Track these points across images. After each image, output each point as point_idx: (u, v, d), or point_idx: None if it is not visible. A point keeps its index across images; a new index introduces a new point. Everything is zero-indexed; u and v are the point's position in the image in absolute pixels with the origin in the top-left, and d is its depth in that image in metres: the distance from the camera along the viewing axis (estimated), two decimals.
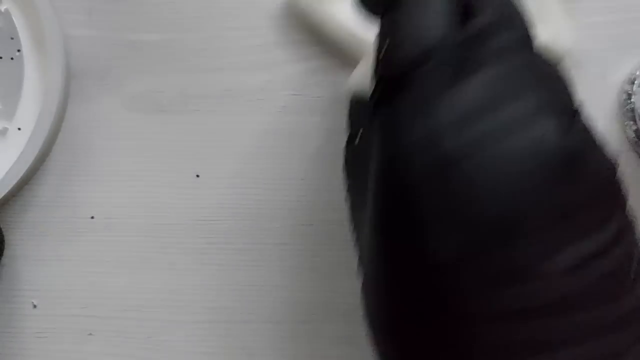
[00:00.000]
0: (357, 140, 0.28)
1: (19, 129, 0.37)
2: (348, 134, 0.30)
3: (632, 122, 0.38)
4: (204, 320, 0.37)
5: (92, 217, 0.38)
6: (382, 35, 0.24)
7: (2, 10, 0.37)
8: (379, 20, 0.24)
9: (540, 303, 0.21)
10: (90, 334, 0.37)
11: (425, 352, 0.22)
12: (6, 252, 0.37)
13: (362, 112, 0.29)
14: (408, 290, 0.22)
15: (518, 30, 0.23)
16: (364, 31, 0.36)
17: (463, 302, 0.21)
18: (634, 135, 0.38)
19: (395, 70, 0.23)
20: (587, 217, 0.22)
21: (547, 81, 0.23)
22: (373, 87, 0.24)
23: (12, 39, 0.37)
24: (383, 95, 0.23)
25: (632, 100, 0.38)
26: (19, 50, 0.37)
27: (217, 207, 0.38)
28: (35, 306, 0.37)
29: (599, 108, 0.39)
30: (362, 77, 0.32)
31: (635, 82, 0.38)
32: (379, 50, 0.24)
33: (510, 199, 0.21)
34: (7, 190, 0.35)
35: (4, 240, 0.37)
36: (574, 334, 0.21)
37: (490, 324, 0.21)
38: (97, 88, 0.38)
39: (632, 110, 0.38)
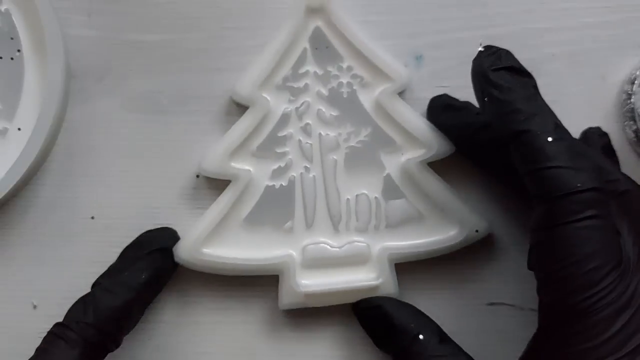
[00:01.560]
0: None
1: (19, 129, 0.37)
2: None
3: (632, 122, 0.38)
4: (204, 321, 0.37)
5: (92, 218, 0.38)
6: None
7: (2, 10, 0.37)
8: None
9: None
10: None
11: None
12: (6, 252, 0.37)
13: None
14: None
15: None
16: (257, 253, 0.36)
17: None
18: (633, 135, 0.38)
19: None
20: None
21: None
22: None
23: (12, 39, 0.37)
24: None
25: (632, 100, 0.38)
26: (19, 50, 0.37)
27: None
28: (35, 306, 0.37)
29: (599, 108, 0.39)
30: (289, 296, 0.36)
31: (635, 82, 0.38)
32: None
33: None
34: (7, 190, 0.35)
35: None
36: None
37: None
38: (97, 88, 0.38)
39: (632, 110, 0.38)
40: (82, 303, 0.33)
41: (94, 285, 0.34)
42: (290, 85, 0.37)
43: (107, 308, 0.32)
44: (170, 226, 0.37)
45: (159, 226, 0.37)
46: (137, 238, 0.36)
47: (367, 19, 0.39)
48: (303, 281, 0.36)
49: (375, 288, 0.36)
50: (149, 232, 0.37)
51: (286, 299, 0.36)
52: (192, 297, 0.37)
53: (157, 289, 0.36)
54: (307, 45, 0.37)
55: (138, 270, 0.34)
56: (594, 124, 0.39)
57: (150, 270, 0.34)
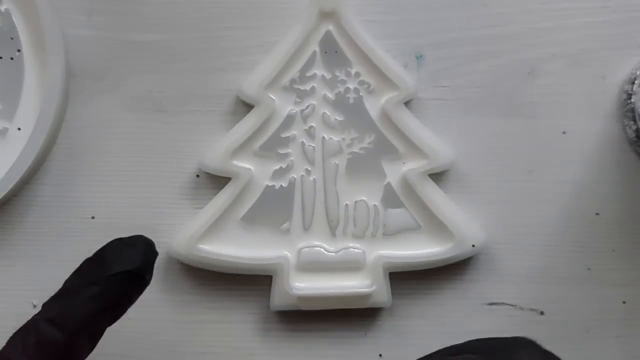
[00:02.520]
0: None
1: (19, 129, 0.37)
2: None
3: (632, 122, 0.38)
4: (203, 320, 0.37)
5: (93, 217, 0.38)
6: None
7: (2, 10, 0.37)
8: None
9: None
10: None
11: None
12: (6, 252, 0.37)
13: None
14: None
15: None
16: (250, 251, 0.36)
17: None
18: (634, 135, 0.38)
19: None
20: None
21: None
22: None
23: (12, 39, 0.37)
24: None
25: (632, 100, 0.38)
26: (19, 50, 0.37)
27: None
28: (35, 306, 0.37)
29: (599, 108, 0.39)
30: (282, 297, 0.36)
31: (635, 82, 0.38)
32: None
33: None
34: (7, 190, 0.35)
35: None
36: None
37: None
38: (97, 88, 0.38)
39: (632, 110, 0.38)
40: (23, 335, 0.28)
41: (43, 306, 0.29)
42: (297, 87, 0.37)
43: (50, 343, 0.28)
44: (171, 225, 0.37)
45: (158, 225, 0.37)
46: (101, 250, 0.30)
47: (368, 19, 0.39)
48: (296, 284, 0.36)
49: (368, 295, 0.36)
50: (117, 243, 0.30)
51: (278, 301, 0.36)
52: (189, 295, 0.37)
53: (116, 316, 0.30)
54: (317, 49, 0.38)
55: (92, 299, 0.28)
56: (594, 124, 0.39)
57: (107, 299, 0.29)
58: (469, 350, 0.27)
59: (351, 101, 0.38)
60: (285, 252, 0.37)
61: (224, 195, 0.37)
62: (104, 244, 0.37)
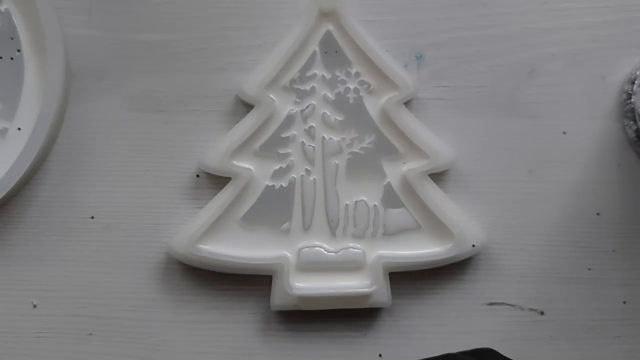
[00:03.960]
0: None
1: (19, 129, 0.37)
2: None
3: (632, 122, 0.38)
4: (203, 320, 0.37)
5: (92, 217, 0.38)
6: None
7: (2, 10, 0.37)
8: None
9: None
10: (90, 334, 0.37)
11: None
12: (6, 252, 0.37)
13: None
14: None
15: None
16: (249, 252, 0.36)
17: None
18: (634, 135, 0.38)
19: None
20: None
21: None
22: None
23: (12, 39, 0.37)
24: None
25: (632, 100, 0.38)
26: (19, 50, 0.37)
27: None
28: (35, 306, 0.37)
29: (599, 108, 0.39)
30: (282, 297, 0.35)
31: (635, 82, 0.38)
32: None
33: None
34: (7, 190, 0.35)
35: None
36: None
37: None
38: (97, 88, 0.38)
39: (632, 110, 0.38)
40: None
41: None
42: (297, 87, 0.37)
43: None
44: (171, 225, 0.37)
45: (158, 225, 0.37)
46: None
47: (368, 19, 0.39)
48: (296, 284, 0.36)
49: (368, 295, 0.36)
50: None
51: (278, 301, 0.36)
52: (189, 295, 0.37)
53: None
54: (317, 49, 0.38)
55: None
56: (594, 124, 0.39)
57: None
58: None
59: (351, 101, 0.38)
60: (285, 252, 0.37)
61: (224, 195, 0.37)
62: (104, 243, 0.37)
